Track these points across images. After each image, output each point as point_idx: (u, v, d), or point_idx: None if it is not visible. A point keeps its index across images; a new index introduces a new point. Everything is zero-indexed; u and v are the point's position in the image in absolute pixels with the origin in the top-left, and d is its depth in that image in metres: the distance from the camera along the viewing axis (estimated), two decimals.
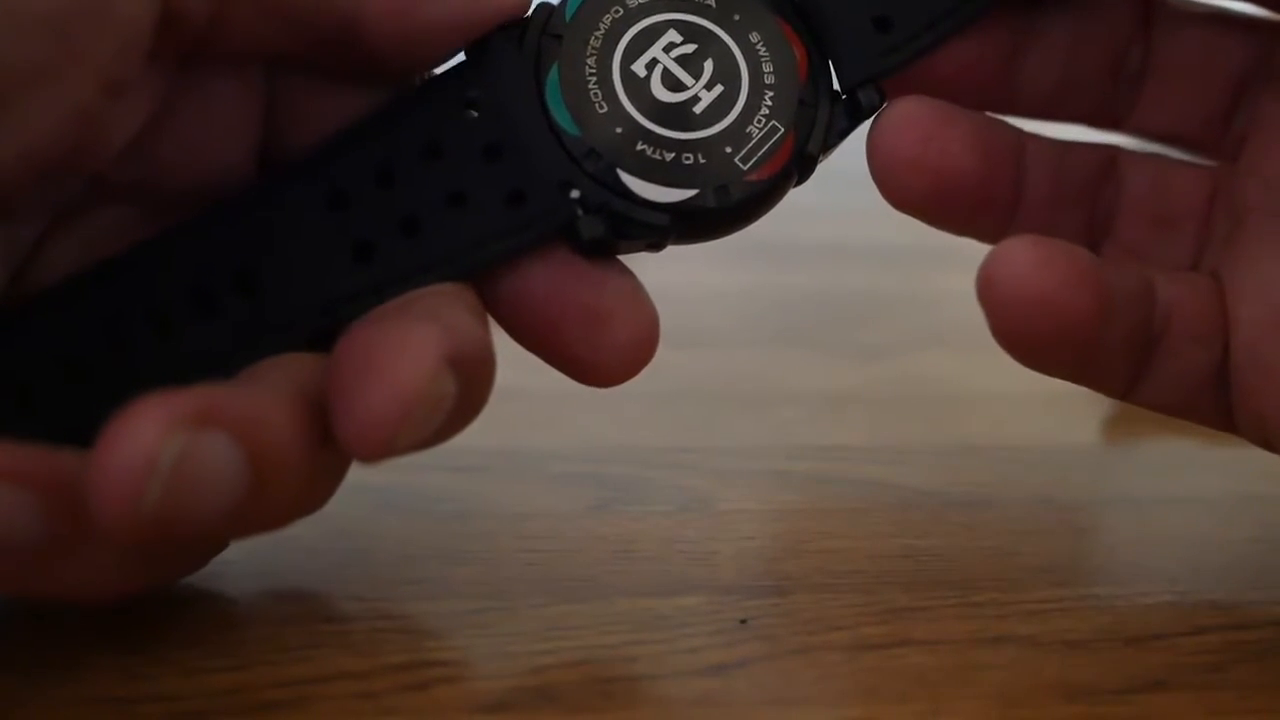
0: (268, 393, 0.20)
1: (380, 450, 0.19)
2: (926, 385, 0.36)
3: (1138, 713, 0.22)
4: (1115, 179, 0.26)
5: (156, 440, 0.18)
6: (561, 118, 0.23)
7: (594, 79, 0.24)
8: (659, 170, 0.24)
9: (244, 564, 0.25)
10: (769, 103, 0.24)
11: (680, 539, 0.27)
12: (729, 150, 0.24)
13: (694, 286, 0.41)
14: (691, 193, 0.24)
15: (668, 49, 0.24)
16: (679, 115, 0.24)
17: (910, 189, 0.24)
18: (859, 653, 0.23)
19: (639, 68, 0.24)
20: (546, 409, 0.32)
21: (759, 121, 0.24)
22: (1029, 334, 0.23)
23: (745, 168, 0.24)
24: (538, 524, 0.27)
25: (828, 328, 0.40)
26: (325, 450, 0.20)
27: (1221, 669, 0.23)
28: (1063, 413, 0.34)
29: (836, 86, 0.25)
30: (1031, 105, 0.26)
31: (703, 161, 0.24)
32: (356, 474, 0.28)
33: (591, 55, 0.24)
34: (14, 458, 0.19)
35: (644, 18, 0.24)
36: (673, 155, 0.24)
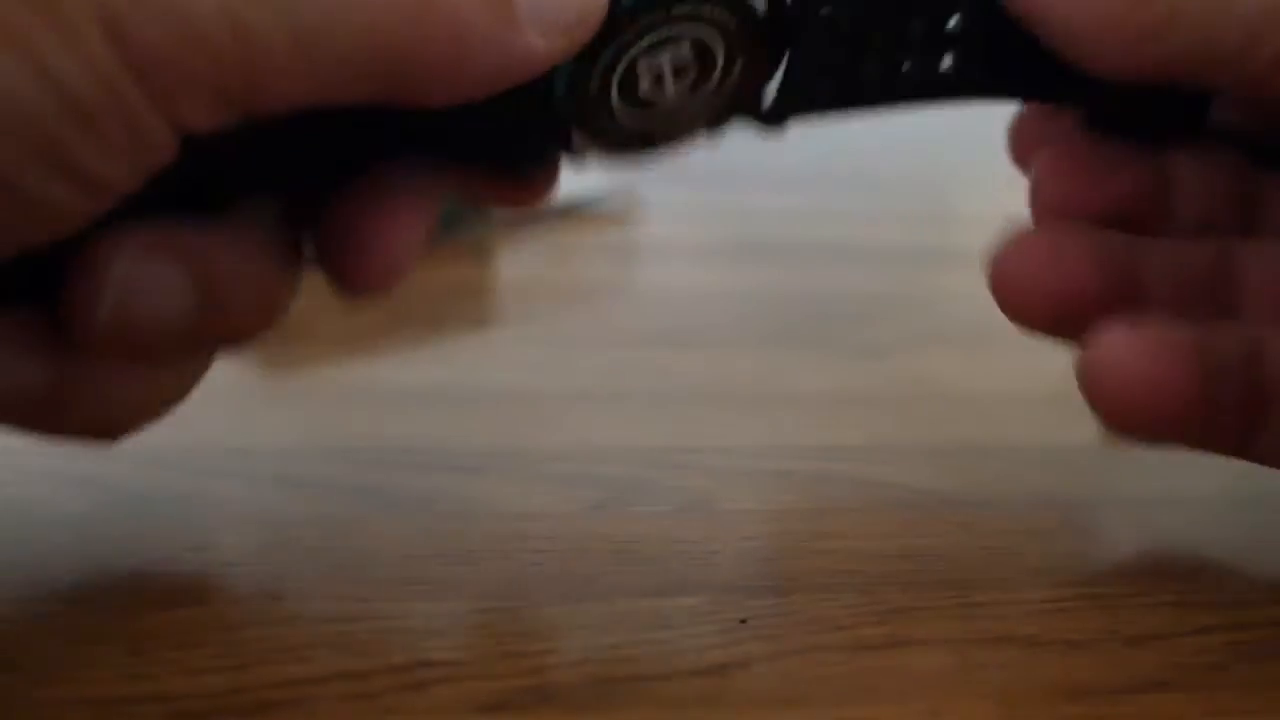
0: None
1: None
2: (926, 385, 0.36)
3: (1138, 713, 0.22)
4: (1234, 270, 0.27)
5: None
6: None
7: None
8: None
9: (244, 564, 0.25)
10: None
11: (680, 539, 0.27)
12: None
13: (694, 286, 0.41)
14: None
15: None
16: None
17: (1034, 311, 0.26)
18: (858, 653, 0.23)
19: None
20: (546, 409, 0.32)
21: None
22: (1134, 417, 0.24)
23: None
24: (538, 524, 0.27)
25: (828, 328, 0.40)
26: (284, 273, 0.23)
27: (1222, 669, 0.23)
28: (1063, 413, 0.34)
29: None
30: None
31: None
32: (355, 475, 0.28)
33: None
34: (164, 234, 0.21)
35: None
36: None
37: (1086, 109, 0.27)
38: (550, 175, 0.25)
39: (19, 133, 0.18)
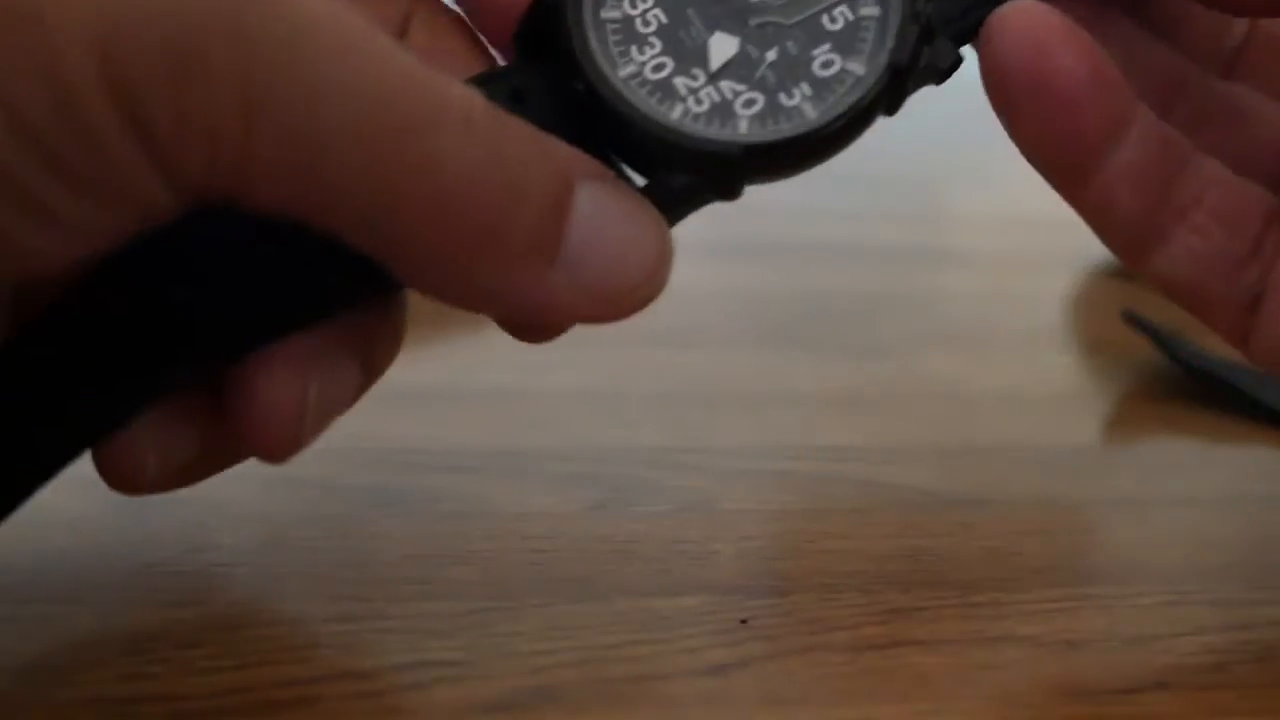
0: None
1: None
2: (926, 385, 0.36)
3: (1138, 713, 0.22)
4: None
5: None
6: None
7: None
8: None
9: (244, 564, 0.25)
10: None
11: (680, 539, 0.27)
12: None
13: (694, 286, 0.41)
14: None
15: None
16: None
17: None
18: (859, 653, 0.23)
19: None
20: (546, 409, 0.32)
21: None
22: (1014, 73, 0.22)
23: None
24: (538, 524, 0.27)
25: (828, 328, 0.39)
26: None
27: (1222, 669, 0.23)
28: (1063, 413, 0.34)
29: None
30: None
31: None
32: (356, 475, 0.28)
33: None
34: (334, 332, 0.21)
35: None
36: None
37: None
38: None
39: None
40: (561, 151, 0.20)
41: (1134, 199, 0.24)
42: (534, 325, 0.23)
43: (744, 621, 0.24)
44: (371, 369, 0.22)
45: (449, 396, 0.32)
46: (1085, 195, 0.24)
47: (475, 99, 0.19)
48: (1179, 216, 0.24)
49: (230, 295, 0.20)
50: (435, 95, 0.18)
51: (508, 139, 0.19)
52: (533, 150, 0.19)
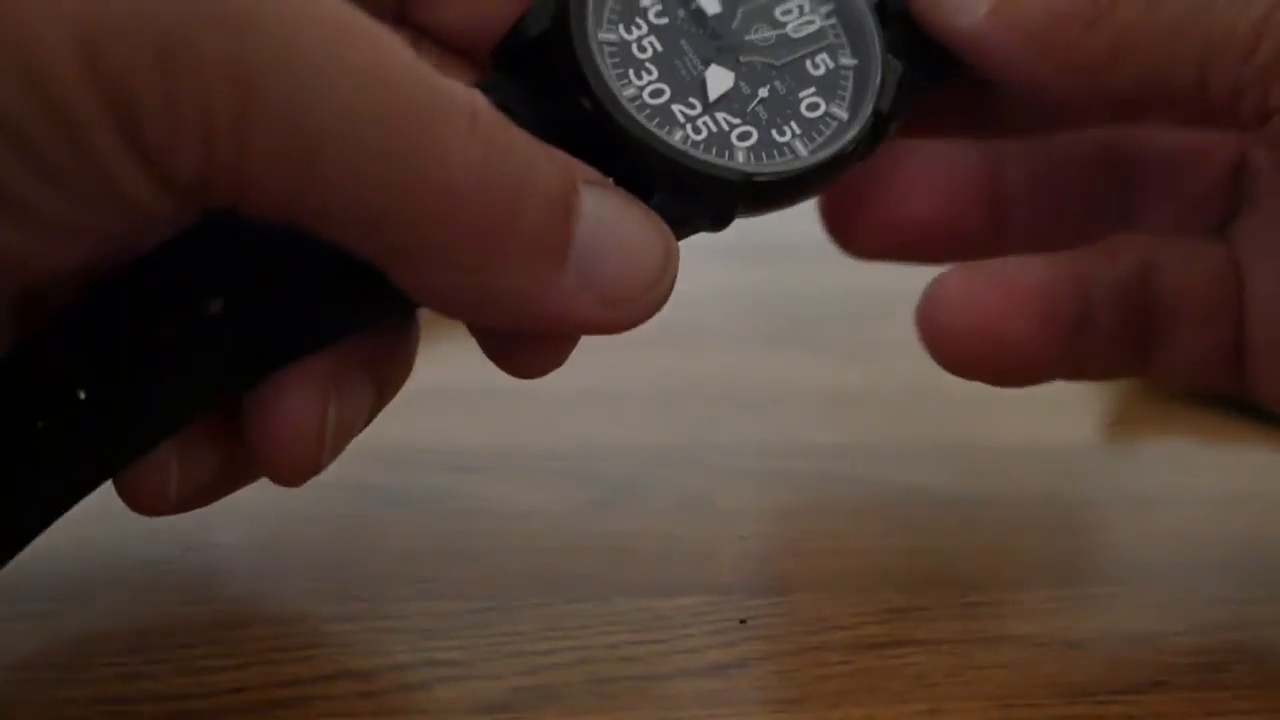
0: None
1: None
2: (926, 385, 0.36)
3: (1137, 713, 0.22)
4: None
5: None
6: None
7: None
8: None
9: (244, 563, 0.25)
10: None
11: (680, 539, 0.27)
12: None
13: (694, 286, 0.40)
14: None
15: None
16: None
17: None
18: (859, 653, 0.23)
19: None
20: (546, 409, 0.32)
21: None
22: (971, 364, 0.25)
23: None
24: (537, 523, 0.27)
25: (827, 328, 0.39)
26: None
27: (1221, 669, 0.23)
28: (1063, 413, 0.34)
29: None
30: None
31: None
32: (356, 474, 0.28)
33: None
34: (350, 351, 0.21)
35: None
36: None
37: None
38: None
39: None
40: (563, 156, 0.20)
41: (1112, 362, 0.25)
42: (534, 347, 0.22)
43: (743, 621, 0.24)
44: (385, 390, 0.22)
45: (449, 396, 0.32)
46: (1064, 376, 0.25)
47: (479, 97, 0.18)
48: (1164, 339, 0.25)
49: (246, 314, 0.20)
50: (439, 89, 0.18)
51: (511, 139, 0.19)
52: (537, 151, 0.19)
